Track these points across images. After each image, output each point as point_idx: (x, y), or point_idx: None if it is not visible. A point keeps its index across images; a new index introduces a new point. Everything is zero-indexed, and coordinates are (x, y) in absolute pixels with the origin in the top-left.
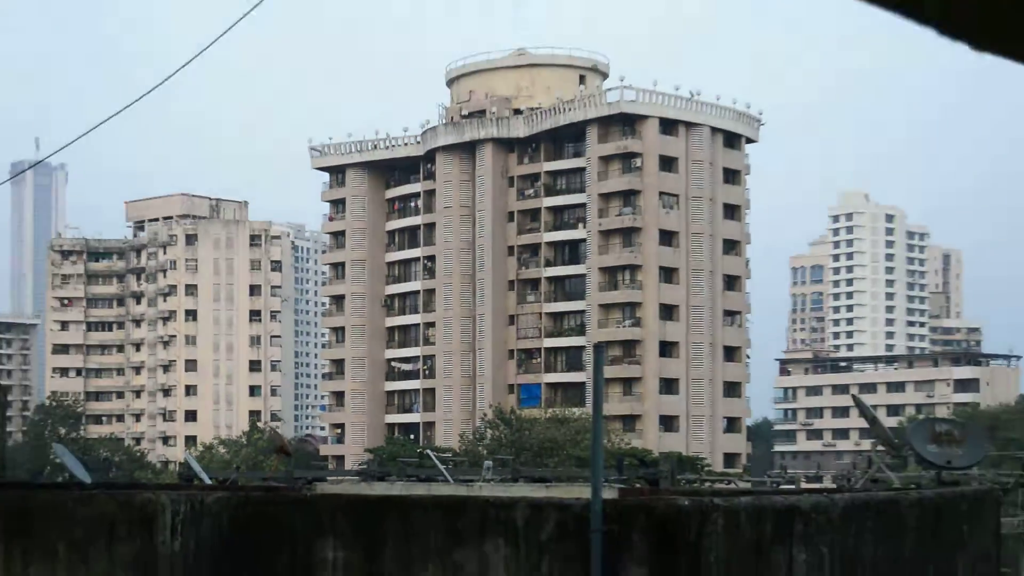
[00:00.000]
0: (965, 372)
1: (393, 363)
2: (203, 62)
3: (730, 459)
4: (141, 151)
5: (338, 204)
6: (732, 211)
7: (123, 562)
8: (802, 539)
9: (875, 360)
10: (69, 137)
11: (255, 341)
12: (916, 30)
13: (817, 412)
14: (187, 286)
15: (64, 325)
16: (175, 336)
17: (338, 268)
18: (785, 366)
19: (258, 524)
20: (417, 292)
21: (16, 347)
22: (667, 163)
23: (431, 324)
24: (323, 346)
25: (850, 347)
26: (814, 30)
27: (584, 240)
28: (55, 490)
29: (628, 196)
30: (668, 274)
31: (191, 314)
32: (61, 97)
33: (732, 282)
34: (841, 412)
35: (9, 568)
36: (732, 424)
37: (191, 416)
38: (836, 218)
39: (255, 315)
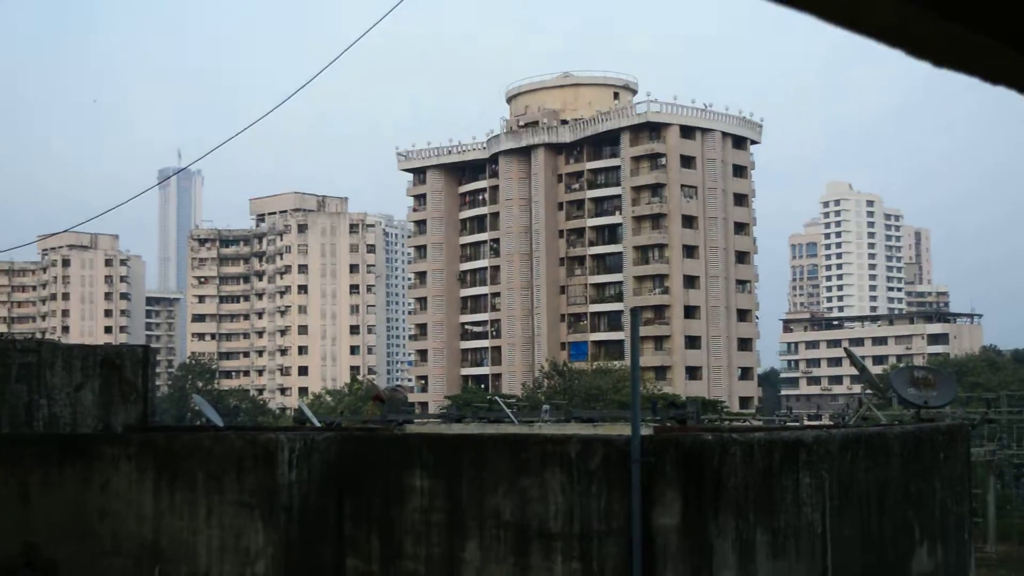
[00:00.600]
0: (936, 328)
1: (466, 326)
2: (308, 90)
3: (744, 402)
4: (261, 158)
5: (420, 198)
6: (741, 199)
7: (250, 489)
8: (806, 466)
9: (861, 319)
10: (205, 148)
11: (354, 310)
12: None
13: (815, 362)
14: (299, 266)
15: (201, 299)
16: (290, 306)
17: (421, 249)
18: (788, 325)
19: (359, 458)
20: (485, 268)
21: (163, 317)
22: (687, 161)
23: (497, 294)
24: (410, 313)
25: (840, 308)
26: (802, 53)
27: (620, 224)
28: (195, 432)
29: (655, 188)
30: (690, 251)
31: (303, 288)
32: (197, 115)
33: (742, 257)
34: (835, 362)
35: (159, 493)
36: (745, 373)
37: (303, 371)
38: (826, 204)
39: (354, 288)
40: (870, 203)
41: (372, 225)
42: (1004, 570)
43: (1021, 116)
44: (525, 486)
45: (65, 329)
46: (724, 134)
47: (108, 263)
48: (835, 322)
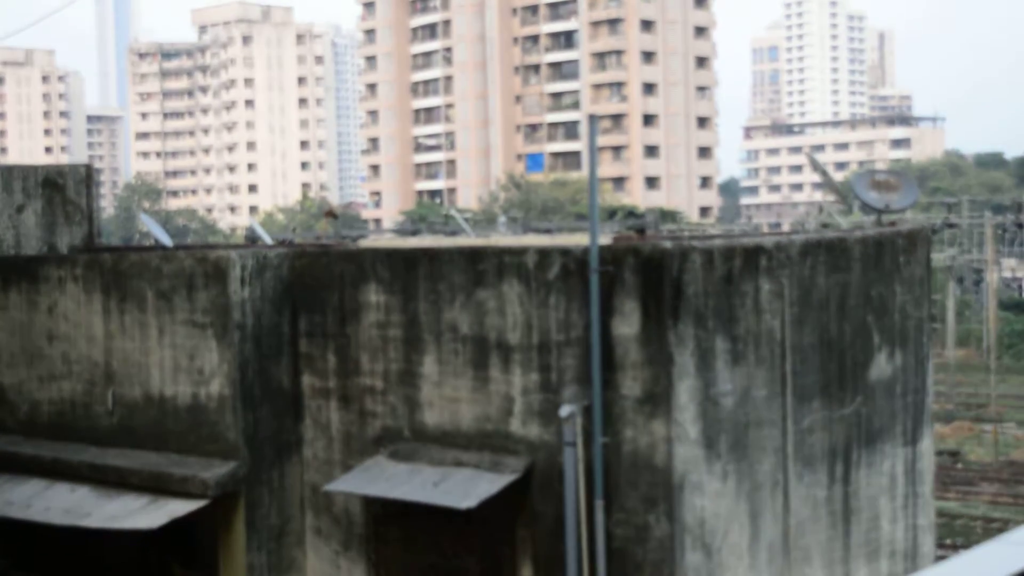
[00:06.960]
0: (898, 133)
1: (420, 139)
2: None
3: (704, 212)
4: None
5: (369, 6)
6: (699, 1)
7: (202, 308)
8: (766, 272)
9: (823, 124)
10: None
11: (304, 124)
12: None
13: (776, 170)
14: (245, 79)
15: (144, 116)
16: (237, 122)
17: (371, 60)
18: (748, 131)
19: (313, 274)
20: (438, 79)
21: (105, 136)
22: None
23: (450, 105)
24: (361, 126)
25: (802, 114)
26: None
27: (576, 30)
28: (143, 251)
29: None
30: (648, 56)
31: (250, 103)
32: None
33: (702, 62)
34: (796, 169)
35: (108, 314)
36: (705, 182)
37: (253, 188)
38: (788, 3)
39: (303, 102)
40: (833, 3)
41: (320, 35)
42: (961, 375)
43: None
44: (482, 299)
45: (2, 150)
46: None
47: (45, 80)
48: (796, 128)
